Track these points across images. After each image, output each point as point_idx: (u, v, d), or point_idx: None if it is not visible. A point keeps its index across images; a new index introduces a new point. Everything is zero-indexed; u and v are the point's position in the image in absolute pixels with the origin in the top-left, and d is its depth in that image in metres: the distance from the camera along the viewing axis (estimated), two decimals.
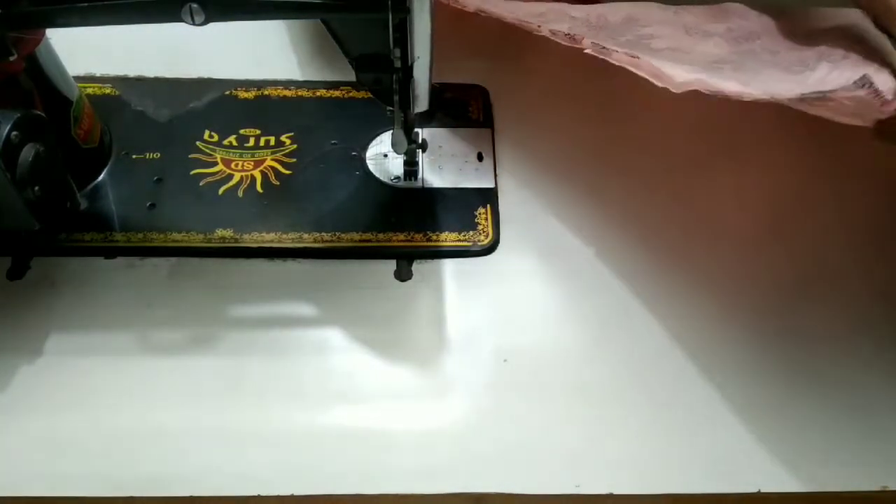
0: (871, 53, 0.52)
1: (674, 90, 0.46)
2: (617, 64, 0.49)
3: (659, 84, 0.47)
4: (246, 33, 0.64)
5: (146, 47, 0.62)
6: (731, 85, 0.45)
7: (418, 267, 0.53)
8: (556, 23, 0.61)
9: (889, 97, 0.41)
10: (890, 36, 0.50)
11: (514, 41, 0.64)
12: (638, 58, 0.48)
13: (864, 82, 0.41)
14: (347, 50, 0.47)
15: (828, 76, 0.52)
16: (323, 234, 0.53)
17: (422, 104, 0.49)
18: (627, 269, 0.53)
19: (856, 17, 0.60)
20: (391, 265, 0.53)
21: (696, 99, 0.59)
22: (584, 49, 0.51)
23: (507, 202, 0.56)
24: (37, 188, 0.45)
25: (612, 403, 0.48)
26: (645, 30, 0.61)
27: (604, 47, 0.50)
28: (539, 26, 0.54)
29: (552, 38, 0.53)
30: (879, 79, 0.42)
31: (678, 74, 0.46)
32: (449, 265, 0.53)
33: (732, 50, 0.59)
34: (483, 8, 0.56)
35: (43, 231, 0.47)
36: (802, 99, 0.42)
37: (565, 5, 0.64)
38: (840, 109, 0.43)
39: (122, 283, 0.51)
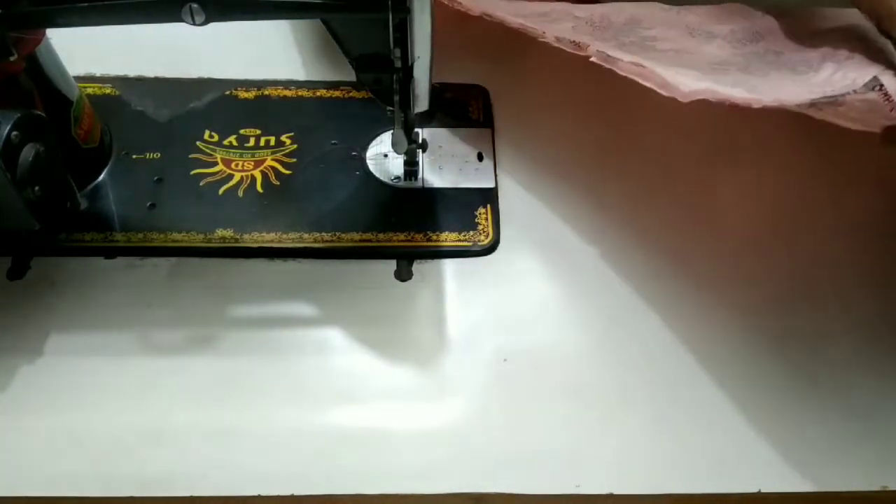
0: (876, 55, 0.52)
1: (681, 99, 0.46)
2: (623, 74, 0.49)
3: (665, 94, 0.46)
4: (246, 33, 0.64)
5: (146, 47, 0.62)
6: (738, 92, 0.45)
7: (418, 267, 0.53)
8: (560, 22, 0.61)
9: None
10: (891, 39, 0.50)
11: (514, 42, 0.63)
12: (644, 67, 0.48)
13: (875, 84, 0.40)
14: (347, 50, 0.47)
15: (832, 76, 0.52)
16: (323, 234, 0.53)
17: (422, 104, 0.49)
18: (627, 269, 0.53)
19: (859, 17, 0.60)
20: (391, 265, 0.53)
21: (697, 100, 0.59)
22: (589, 57, 0.51)
23: (508, 202, 0.56)
24: (37, 188, 0.45)
25: (612, 403, 0.48)
26: (648, 32, 0.61)
27: (609, 55, 0.49)
28: (544, 33, 0.54)
29: (557, 44, 0.53)
30: (888, 81, 0.42)
31: (685, 83, 0.46)
32: (449, 265, 0.53)
33: (736, 52, 0.59)
34: (487, 12, 0.56)
35: (43, 231, 0.47)
36: (813, 104, 0.42)
37: (569, 5, 0.64)
38: (849, 115, 0.42)
39: (122, 283, 0.51)
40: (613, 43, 0.59)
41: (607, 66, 0.50)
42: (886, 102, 0.40)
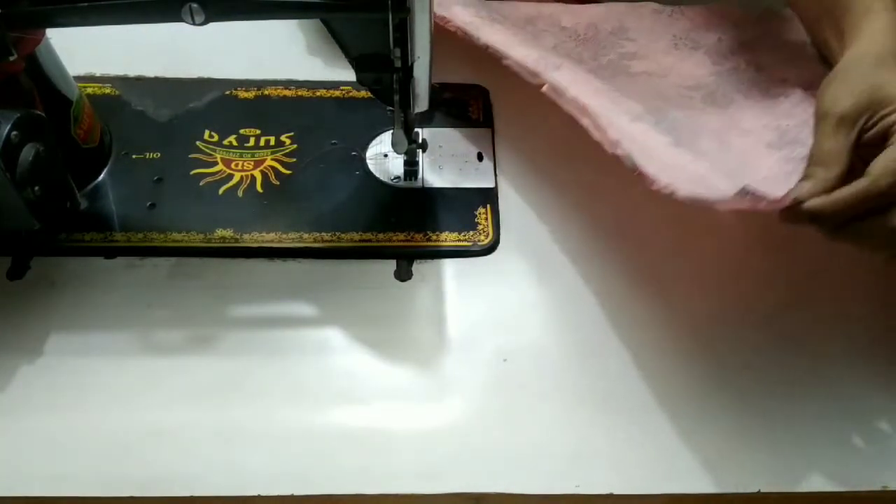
0: None
1: (606, 148, 0.47)
2: (564, 109, 0.51)
3: (595, 137, 0.48)
4: (246, 33, 0.64)
5: (146, 47, 0.62)
6: (657, 156, 0.46)
7: (418, 267, 0.53)
8: (542, 37, 0.62)
9: (779, 195, 0.41)
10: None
11: None
12: (587, 107, 0.49)
13: (746, 192, 0.41)
14: (347, 50, 0.47)
15: (794, 109, 0.52)
16: (323, 234, 0.53)
17: (422, 104, 0.49)
18: (627, 268, 0.53)
19: None
20: (391, 265, 0.53)
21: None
22: (541, 89, 0.53)
23: (507, 202, 0.56)
24: (37, 188, 0.45)
25: (611, 403, 0.48)
26: (630, 46, 0.62)
27: (559, 88, 0.51)
28: (507, 58, 0.55)
29: (515, 69, 0.54)
30: (762, 182, 0.42)
31: (618, 127, 0.47)
32: (449, 265, 0.53)
33: (713, 69, 0.60)
34: (462, 28, 0.57)
35: (43, 231, 0.47)
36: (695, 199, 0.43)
37: (557, 10, 0.64)
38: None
39: (122, 283, 0.51)
40: (592, 64, 0.60)
41: (554, 99, 0.52)
42: (761, 203, 0.41)
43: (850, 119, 0.42)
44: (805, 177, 0.42)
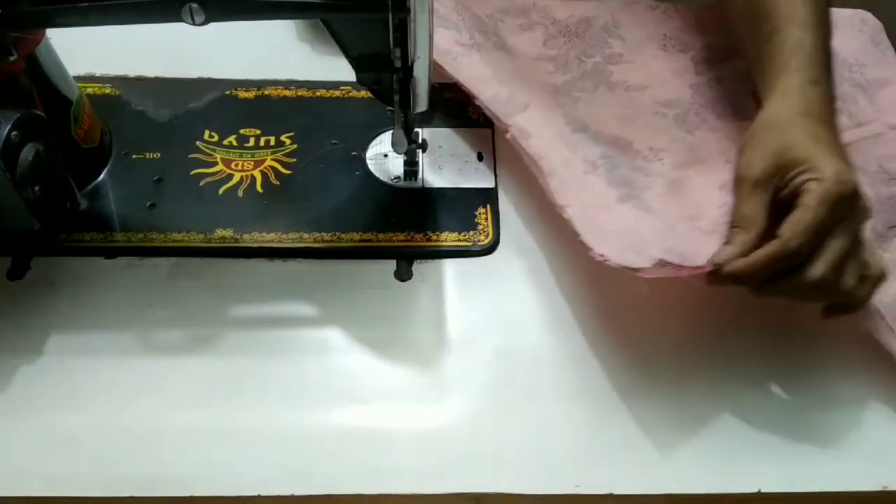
0: None
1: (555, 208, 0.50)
2: (525, 158, 0.53)
3: (547, 194, 0.51)
4: (246, 33, 0.64)
5: (146, 47, 0.62)
6: (604, 211, 0.49)
7: (418, 267, 0.53)
8: (533, 30, 0.63)
9: (701, 262, 0.44)
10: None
11: None
12: (541, 167, 0.51)
13: (663, 263, 0.44)
14: (347, 50, 0.47)
15: None
16: (323, 234, 0.53)
17: (422, 104, 0.49)
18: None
19: (847, 24, 0.60)
20: (391, 265, 0.53)
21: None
22: (506, 134, 0.54)
23: (507, 202, 0.56)
24: (37, 188, 0.45)
25: (611, 403, 0.48)
26: (616, 46, 0.62)
27: (519, 136, 0.53)
28: (478, 96, 0.56)
29: (483, 108, 0.56)
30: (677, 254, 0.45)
31: (565, 190, 0.50)
32: (449, 265, 0.53)
33: (695, 80, 0.60)
34: (436, 61, 0.57)
35: (43, 231, 0.47)
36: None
37: (553, 2, 0.65)
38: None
39: (122, 283, 0.51)
40: (576, 71, 0.60)
41: (516, 147, 0.53)
42: (682, 270, 0.44)
43: (763, 182, 0.45)
44: (727, 241, 0.45)
